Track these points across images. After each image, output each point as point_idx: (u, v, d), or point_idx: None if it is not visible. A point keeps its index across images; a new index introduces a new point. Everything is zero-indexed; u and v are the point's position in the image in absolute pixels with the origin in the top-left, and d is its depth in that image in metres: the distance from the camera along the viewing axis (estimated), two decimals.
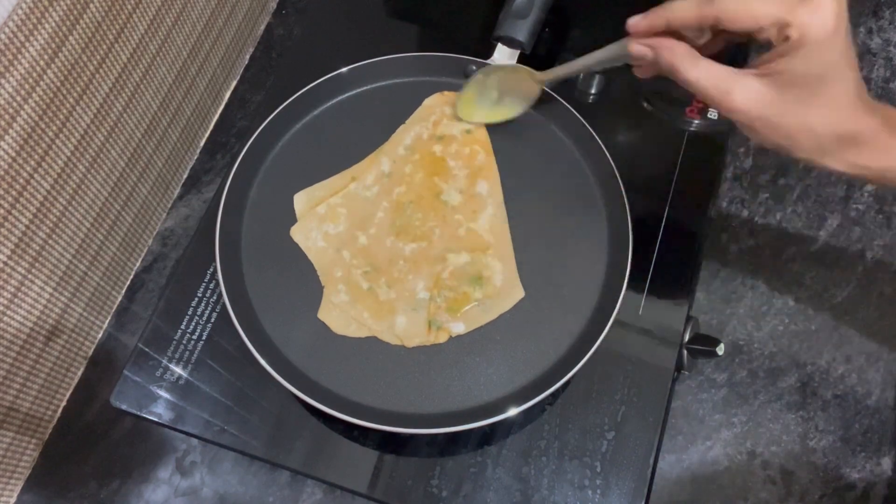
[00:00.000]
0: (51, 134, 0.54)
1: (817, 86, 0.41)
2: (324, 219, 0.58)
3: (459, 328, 0.55)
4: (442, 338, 0.55)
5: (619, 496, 0.53)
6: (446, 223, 0.58)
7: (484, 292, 0.56)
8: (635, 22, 0.46)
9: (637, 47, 0.45)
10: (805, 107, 0.41)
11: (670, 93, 0.68)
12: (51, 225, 0.57)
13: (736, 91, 0.42)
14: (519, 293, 0.56)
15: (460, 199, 0.59)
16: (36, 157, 0.53)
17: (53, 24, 0.51)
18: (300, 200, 0.59)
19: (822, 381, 0.63)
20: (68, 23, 0.52)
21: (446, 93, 0.64)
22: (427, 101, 0.63)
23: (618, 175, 0.58)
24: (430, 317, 0.55)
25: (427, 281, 0.56)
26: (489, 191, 0.60)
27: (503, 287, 0.56)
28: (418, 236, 0.58)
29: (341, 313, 0.55)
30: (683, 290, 0.60)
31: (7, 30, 0.47)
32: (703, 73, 0.43)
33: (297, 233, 0.58)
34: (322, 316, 0.55)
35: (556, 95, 0.62)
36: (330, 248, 0.57)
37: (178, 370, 0.57)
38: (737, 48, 0.49)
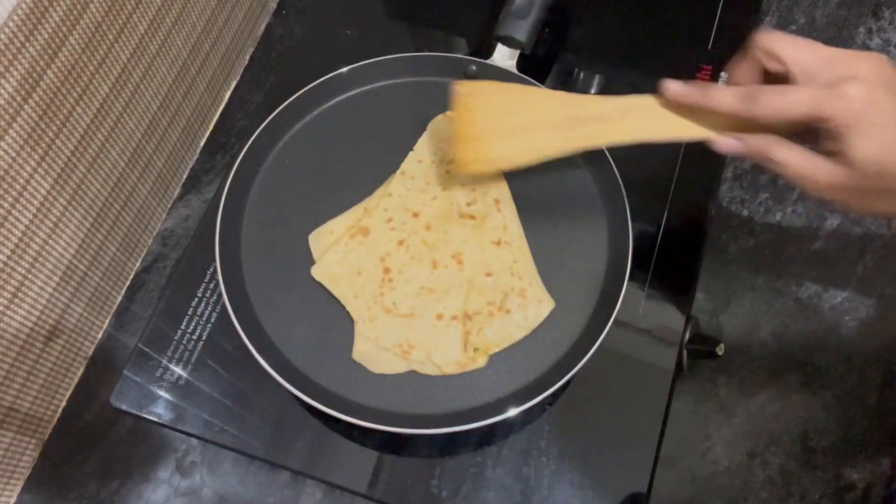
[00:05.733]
0: (51, 134, 0.54)
1: (875, 178, 0.42)
2: (344, 254, 0.57)
3: (495, 347, 0.54)
4: (480, 361, 0.54)
5: (619, 496, 0.53)
6: (467, 244, 0.57)
7: (514, 308, 0.55)
8: (673, 91, 0.47)
9: (728, 143, 0.46)
10: (872, 197, 0.43)
11: None
12: (51, 225, 0.57)
13: (819, 176, 0.43)
14: (549, 304, 0.56)
15: (477, 218, 0.58)
16: (36, 157, 0.53)
17: (53, 24, 0.51)
18: (316, 239, 0.58)
19: (822, 381, 0.63)
20: (68, 23, 0.52)
21: (450, 113, 0.62)
22: (432, 125, 0.62)
23: (618, 175, 0.58)
24: (464, 339, 0.54)
25: (458, 303, 0.55)
26: (503, 205, 0.59)
27: (532, 300, 0.56)
28: (441, 260, 0.57)
29: (375, 348, 0.54)
30: (683, 290, 0.60)
31: (7, 30, 0.47)
32: (791, 158, 0.44)
33: (318, 272, 0.57)
34: (357, 356, 0.54)
35: None
36: (356, 282, 0.56)
37: (178, 370, 0.57)
38: None
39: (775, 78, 0.45)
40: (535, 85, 0.63)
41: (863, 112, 0.40)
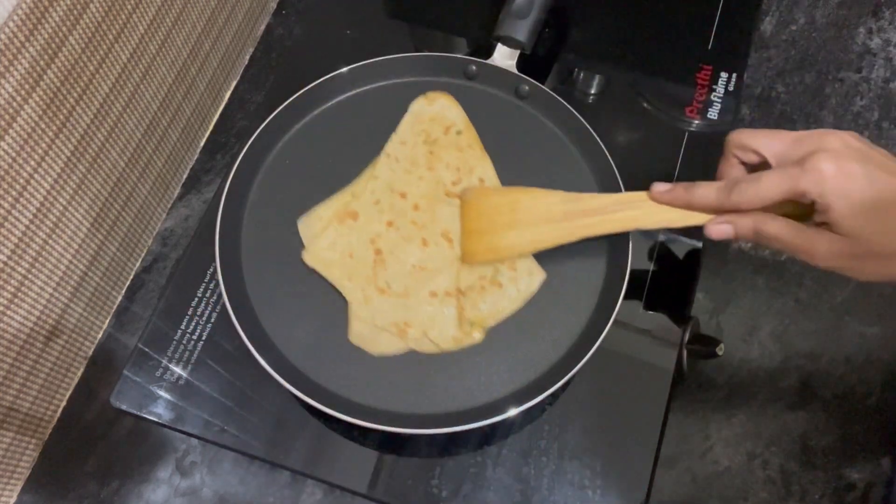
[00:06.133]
0: (51, 134, 0.54)
1: (862, 242, 0.43)
2: (334, 239, 0.57)
3: (491, 321, 0.55)
4: (477, 336, 0.54)
5: (619, 496, 0.53)
6: (456, 221, 0.58)
7: (506, 281, 0.56)
8: (659, 192, 0.51)
9: (719, 228, 0.48)
10: (870, 263, 0.44)
11: (670, 93, 0.68)
12: (51, 225, 0.57)
13: (814, 246, 0.45)
14: (539, 275, 0.56)
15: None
16: (36, 157, 0.53)
17: (53, 24, 0.51)
18: (305, 226, 0.58)
19: (822, 381, 0.63)
20: (68, 23, 0.52)
21: (430, 94, 0.64)
22: (413, 107, 0.63)
23: (618, 175, 0.58)
24: (459, 315, 0.55)
25: (450, 280, 0.56)
26: (488, 183, 0.60)
27: (522, 272, 0.56)
28: (431, 238, 0.57)
29: (372, 329, 0.55)
30: (683, 291, 0.60)
31: (7, 30, 0.47)
32: (783, 233, 0.45)
33: (309, 258, 0.57)
34: (354, 338, 0.55)
35: (555, 95, 0.62)
36: (348, 265, 0.57)
37: (178, 370, 0.57)
38: None
39: (759, 168, 0.48)
40: (536, 84, 0.63)
41: (835, 181, 0.42)
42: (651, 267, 0.60)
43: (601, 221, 0.53)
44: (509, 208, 0.55)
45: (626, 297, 0.54)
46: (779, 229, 0.45)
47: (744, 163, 0.49)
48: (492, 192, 0.58)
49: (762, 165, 0.47)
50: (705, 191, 0.48)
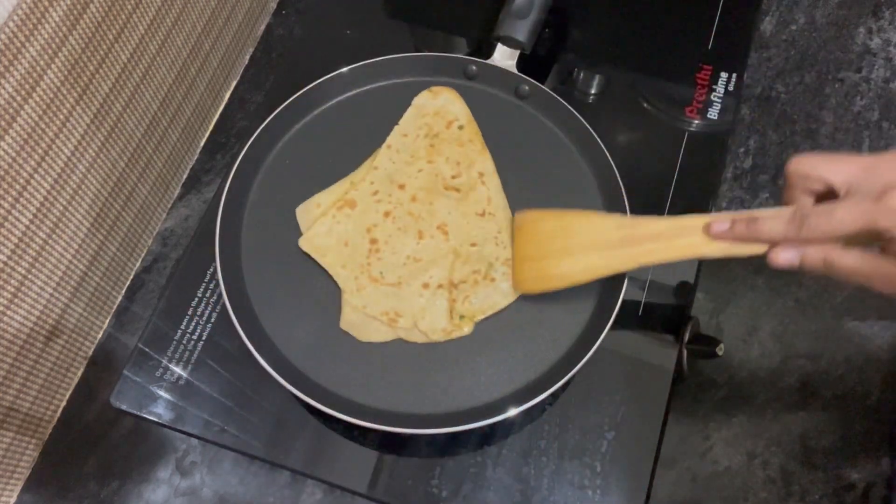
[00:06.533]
0: (51, 134, 0.54)
1: None
2: (331, 226, 0.58)
3: (480, 315, 0.55)
4: (466, 329, 0.55)
5: (619, 496, 0.53)
6: (452, 215, 0.58)
7: (499, 276, 0.56)
8: (718, 232, 0.47)
9: (785, 257, 0.45)
10: None
11: (670, 93, 0.68)
12: (51, 225, 0.57)
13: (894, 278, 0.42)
14: None
15: (461, 191, 0.59)
16: (36, 157, 0.53)
17: (53, 24, 0.51)
18: (303, 212, 0.59)
19: (822, 381, 0.63)
20: (68, 23, 0.52)
21: (434, 88, 0.64)
22: (417, 101, 0.63)
23: (618, 175, 0.58)
24: (450, 307, 0.55)
25: (443, 272, 0.56)
26: (487, 178, 0.60)
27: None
28: (427, 231, 0.58)
29: (363, 317, 0.55)
30: (683, 290, 0.60)
31: (7, 30, 0.47)
32: (858, 265, 0.42)
33: (305, 243, 0.57)
34: (345, 325, 0.55)
35: (556, 95, 0.62)
36: (343, 252, 0.57)
37: (178, 370, 0.57)
38: None
39: (825, 195, 0.45)
40: (536, 84, 0.63)
41: None
42: (651, 267, 0.60)
43: (660, 248, 0.50)
44: (563, 233, 0.53)
45: (626, 297, 0.54)
46: (853, 262, 0.42)
47: (809, 190, 0.46)
48: (546, 217, 0.56)
49: (829, 193, 0.45)
50: (771, 226, 0.45)
